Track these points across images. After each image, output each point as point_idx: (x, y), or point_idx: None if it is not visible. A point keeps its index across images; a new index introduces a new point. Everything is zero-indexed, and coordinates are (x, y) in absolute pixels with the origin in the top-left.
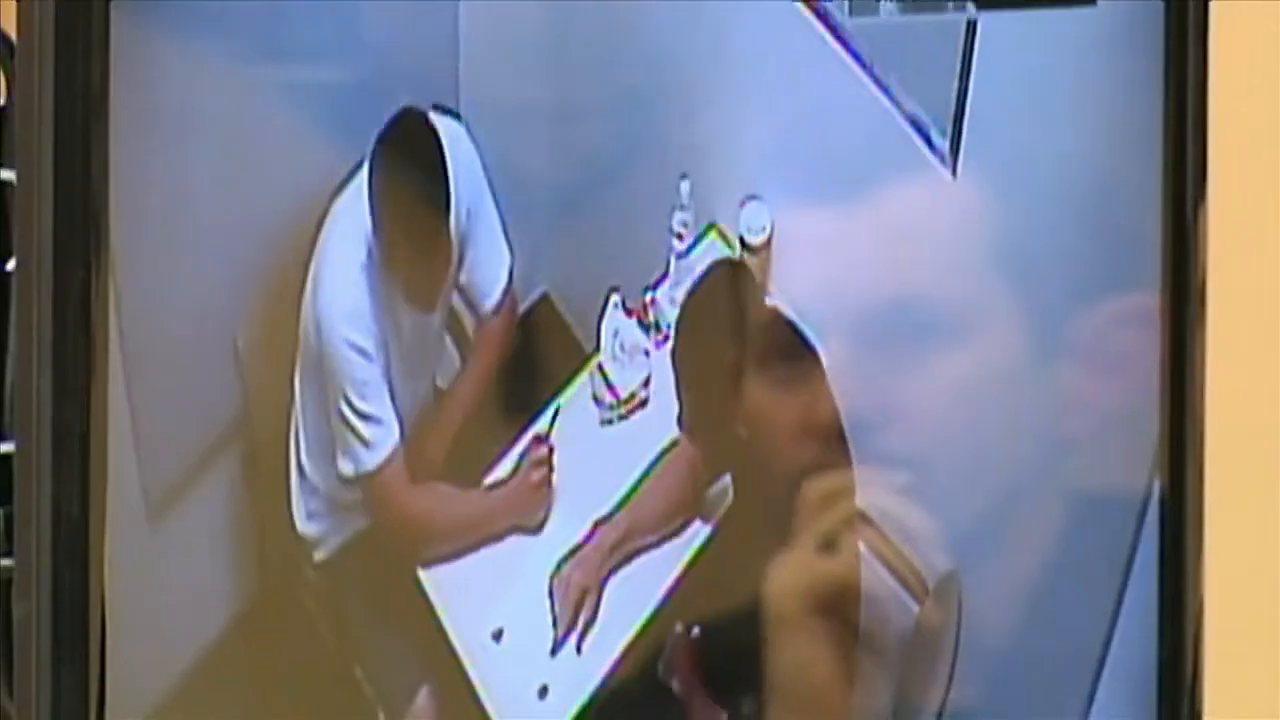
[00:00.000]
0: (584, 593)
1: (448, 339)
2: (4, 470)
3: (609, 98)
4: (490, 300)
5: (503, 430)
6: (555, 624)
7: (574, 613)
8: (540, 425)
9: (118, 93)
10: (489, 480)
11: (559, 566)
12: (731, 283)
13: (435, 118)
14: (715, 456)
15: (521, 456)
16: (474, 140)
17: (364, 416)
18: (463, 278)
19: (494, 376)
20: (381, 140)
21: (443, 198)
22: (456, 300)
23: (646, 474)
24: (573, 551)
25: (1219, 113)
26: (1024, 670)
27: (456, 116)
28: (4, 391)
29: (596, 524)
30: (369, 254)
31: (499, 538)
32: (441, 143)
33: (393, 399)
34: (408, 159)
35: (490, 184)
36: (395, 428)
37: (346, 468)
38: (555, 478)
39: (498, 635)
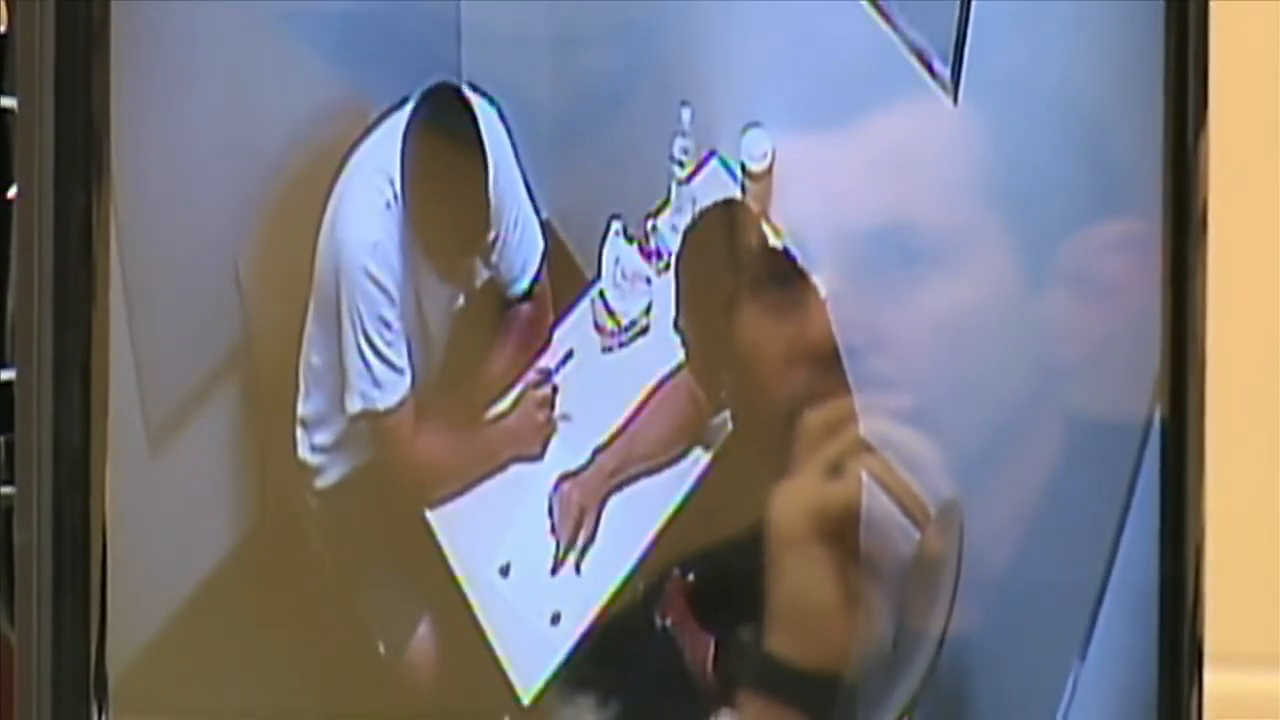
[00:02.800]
0: (582, 510)
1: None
2: (5, 398)
3: (610, 24)
4: (520, 285)
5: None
6: (556, 543)
7: (573, 530)
8: (548, 360)
9: (119, 18)
10: (491, 413)
11: (557, 485)
12: (732, 219)
13: (470, 95)
14: (717, 390)
15: (524, 389)
16: (490, 101)
17: (381, 357)
18: (493, 258)
19: (521, 361)
20: (416, 112)
21: (480, 173)
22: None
23: (646, 401)
24: (572, 474)
25: (1220, 39)
26: (1025, 597)
27: (490, 99)
28: (5, 319)
29: (596, 452)
30: (394, 197)
31: (501, 468)
32: (477, 118)
33: (409, 348)
34: (442, 134)
35: (520, 167)
36: (409, 375)
37: (355, 404)
38: (557, 407)
39: (505, 570)
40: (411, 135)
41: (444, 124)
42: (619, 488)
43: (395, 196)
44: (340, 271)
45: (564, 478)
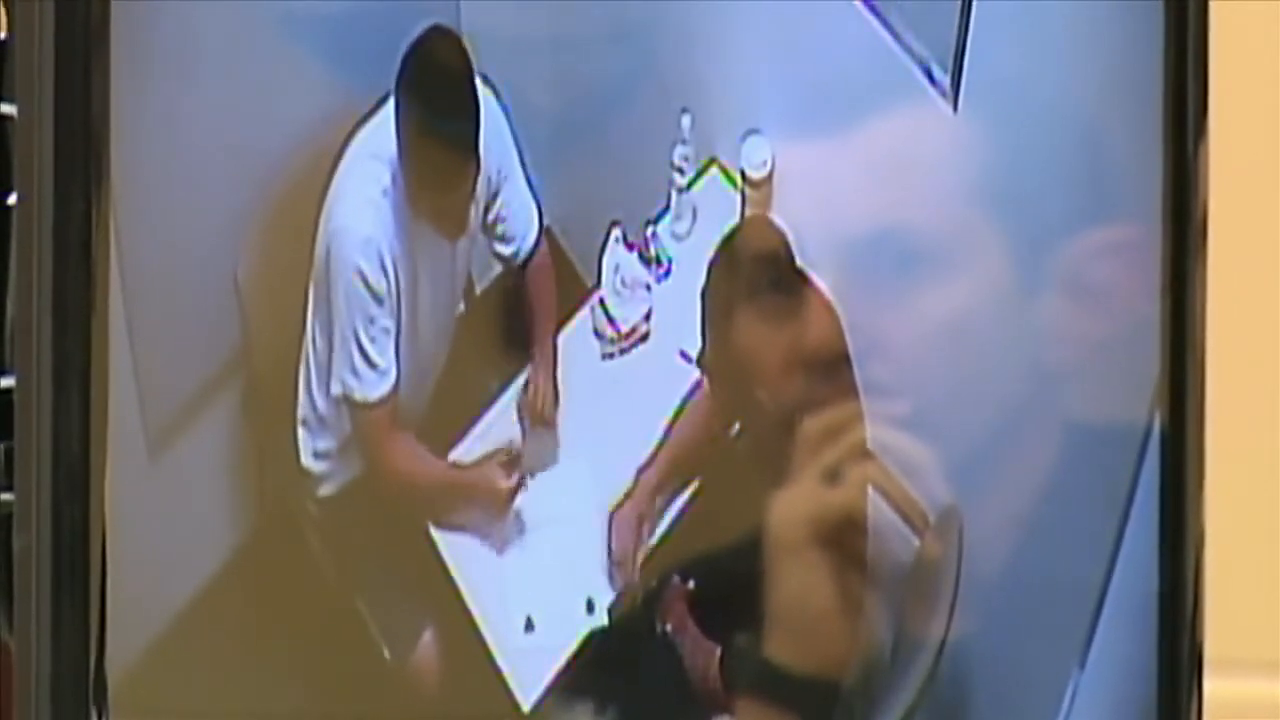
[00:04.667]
0: (641, 519)
1: (469, 273)
2: (4, 404)
3: (610, 30)
4: (521, 254)
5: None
6: (609, 560)
7: (635, 542)
8: (515, 442)
9: (118, 25)
10: (465, 458)
11: (612, 516)
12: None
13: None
14: (731, 406)
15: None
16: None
17: (365, 355)
18: (498, 230)
19: (545, 309)
20: (411, 52)
21: (470, 112)
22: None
23: (674, 419)
24: (621, 501)
25: (1220, 43)
26: (1025, 603)
27: (488, 83)
28: (4, 326)
29: (639, 472)
30: (392, 181)
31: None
32: (470, 58)
33: (399, 340)
34: (436, 74)
35: (518, 148)
36: (393, 375)
37: (336, 387)
38: (559, 415)
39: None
40: (403, 98)
41: (435, 66)
42: (668, 502)
43: (392, 180)
44: (332, 261)
45: (617, 507)
